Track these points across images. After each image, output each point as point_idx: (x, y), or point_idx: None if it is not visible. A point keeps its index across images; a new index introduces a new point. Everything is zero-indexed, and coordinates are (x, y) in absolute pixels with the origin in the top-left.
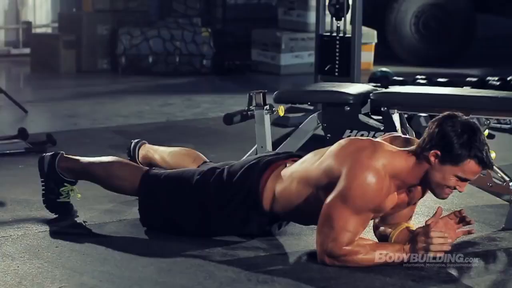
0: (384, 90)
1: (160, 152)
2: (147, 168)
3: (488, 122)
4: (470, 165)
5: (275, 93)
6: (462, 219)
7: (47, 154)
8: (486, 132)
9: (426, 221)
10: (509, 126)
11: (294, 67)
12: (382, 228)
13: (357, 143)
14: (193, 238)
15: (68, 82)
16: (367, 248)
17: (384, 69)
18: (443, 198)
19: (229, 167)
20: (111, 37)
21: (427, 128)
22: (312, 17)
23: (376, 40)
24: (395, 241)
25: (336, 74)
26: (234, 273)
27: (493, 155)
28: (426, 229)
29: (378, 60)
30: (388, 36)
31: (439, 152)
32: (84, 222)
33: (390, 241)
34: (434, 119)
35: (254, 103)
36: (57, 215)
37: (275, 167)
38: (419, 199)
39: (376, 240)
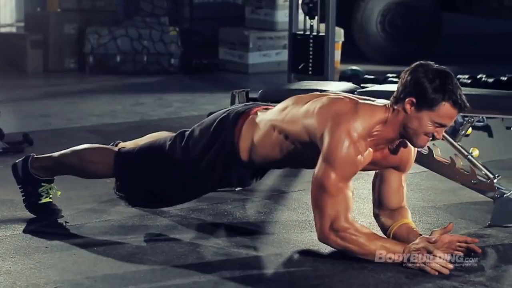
0: (368, 88)
1: (133, 143)
2: (118, 148)
3: (472, 119)
4: (445, 108)
5: (259, 91)
6: (469, 249)
7: (18, 160)
8: (470, 130)
9: (433, 231)
10: (482, 123)
11: (261, 66)
12: (382, 219)
13: (338, 104)
14: (182, 238)
15: (36, 81)
16: (370, 237)
17: (354, 67)
18: (420, 147)
19: (199, 125)
20: (78, 37)
21: (400, 79)
22: (279, 16)
23: (343, 39)
24: (393, 235)
25: (310, 72)
26: (228, 272)
27: (476, 152)
28: (430, 247)
29: (344, 59)
30: (355, 34)
31: (414, 99)
32: (66, 222)
33: (389, 236)
34: (405, 69)
35: (237, 102)
36: (41, 216)
37: (246, 116)
38: (405, 166)
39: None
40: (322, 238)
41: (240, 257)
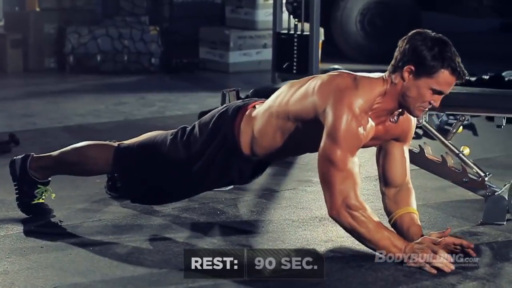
0: None
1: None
2: (117, 143)
3: (463, 118)
4: (444, 75)
5: (251, 90)
6: (464, 252)
7: (18, 157)
8: (461, 129)
9: (431, 233)
10: (467, 122)
11: (242, 65)
12: (387, 200)
13: (338, 80)
14: (177, 238)
15: (16, 81)
16: (379, 226)
17: (336, 66)
18: (417, 116)
19: (199, 122)
20: (58, 36)
21: (397, 48)
22: (260, 15)
23: (323, 38)
24: (394, 222)
25: (294, 71)
26: (225, 271)
27: (467, 150)
28: (434, 247)
29: (324, 58)
30: (334, 33)
31: (412, 67)
32: (60, 221)
33: (391, 221)
34: (403, 38)
35: (227, 101)
36: (33, 216)
37: (244, 110)
38: (406, 135)
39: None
40: (334, 214)
41: (235, 256)
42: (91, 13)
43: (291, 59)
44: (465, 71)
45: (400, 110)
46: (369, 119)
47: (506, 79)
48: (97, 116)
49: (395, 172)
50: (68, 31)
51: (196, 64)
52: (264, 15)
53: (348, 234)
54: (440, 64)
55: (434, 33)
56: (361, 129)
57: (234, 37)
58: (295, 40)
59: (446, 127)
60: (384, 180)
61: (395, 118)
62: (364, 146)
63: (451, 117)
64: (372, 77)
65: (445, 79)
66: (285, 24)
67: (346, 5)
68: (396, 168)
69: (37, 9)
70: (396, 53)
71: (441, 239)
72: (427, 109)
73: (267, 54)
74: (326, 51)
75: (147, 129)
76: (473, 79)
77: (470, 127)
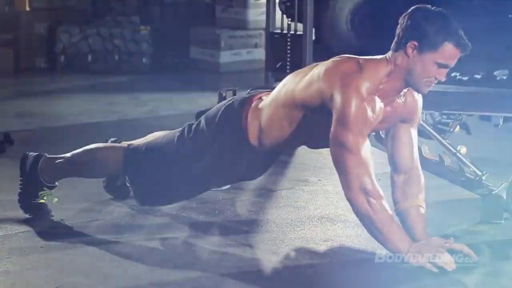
0: None
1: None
2: (127, 144)
3: (461, 117)
4: (448, 48)
5: (248, 90)
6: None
7: (31, 154)
8: (458, 128)
9: (435, 238)
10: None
11: (233, 65)
12: (395, 188)
13: (343, 65)
14: (177, 237)
15: (7, 81)
16: (391, 218)
17: None
18: (424, 92)
19: (205, 116)
20: (49, 36)
21: (398, 25)
22: (251, 14)
23: (313, 37)
24: (399, 213)
25: (288, 71)
26: (227, 271)
27: (464, 150)
28: (439, 249)
29: (314, 57)
30: (324, 33)
31: (416, 43)
32: (62, 220)
33: (396, 212)
34: (403, 14)
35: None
36: (32, 215)
37: (250, 103)
38: (414, 116)
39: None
40: (351, 196)
41: (237, 256)
42: (82, 13)
43: (285, 58)
44: (469, 43)
45: (406, 89)
46: (377, 100)
47: (498, 78)
48: (90, 116)
49: (404, 156)
50: (59, 30)
51: (187, 63)
52: (255, 14)
53: (347, 234)
54: (443, 37)
55: (434, 7)
56: (370, 112)
57: (224, 36)
58: (289, 39)
59: (440, 126)
60: (393, 164)
61: (402, 97)
62: (374, 130)
63: (444, 116)
64: (376, 58)
65: (449, 52)
66: (277, 24)
67: (336, 5)
68: (404, 151)
69: (27, 9)
70: (397, 31)
71: (446, 244)
72: (433, 84)
73: (258, 53)
74: (315, 50)
75: (141, 129)
76: (465, 78)
77: (463, 126)
